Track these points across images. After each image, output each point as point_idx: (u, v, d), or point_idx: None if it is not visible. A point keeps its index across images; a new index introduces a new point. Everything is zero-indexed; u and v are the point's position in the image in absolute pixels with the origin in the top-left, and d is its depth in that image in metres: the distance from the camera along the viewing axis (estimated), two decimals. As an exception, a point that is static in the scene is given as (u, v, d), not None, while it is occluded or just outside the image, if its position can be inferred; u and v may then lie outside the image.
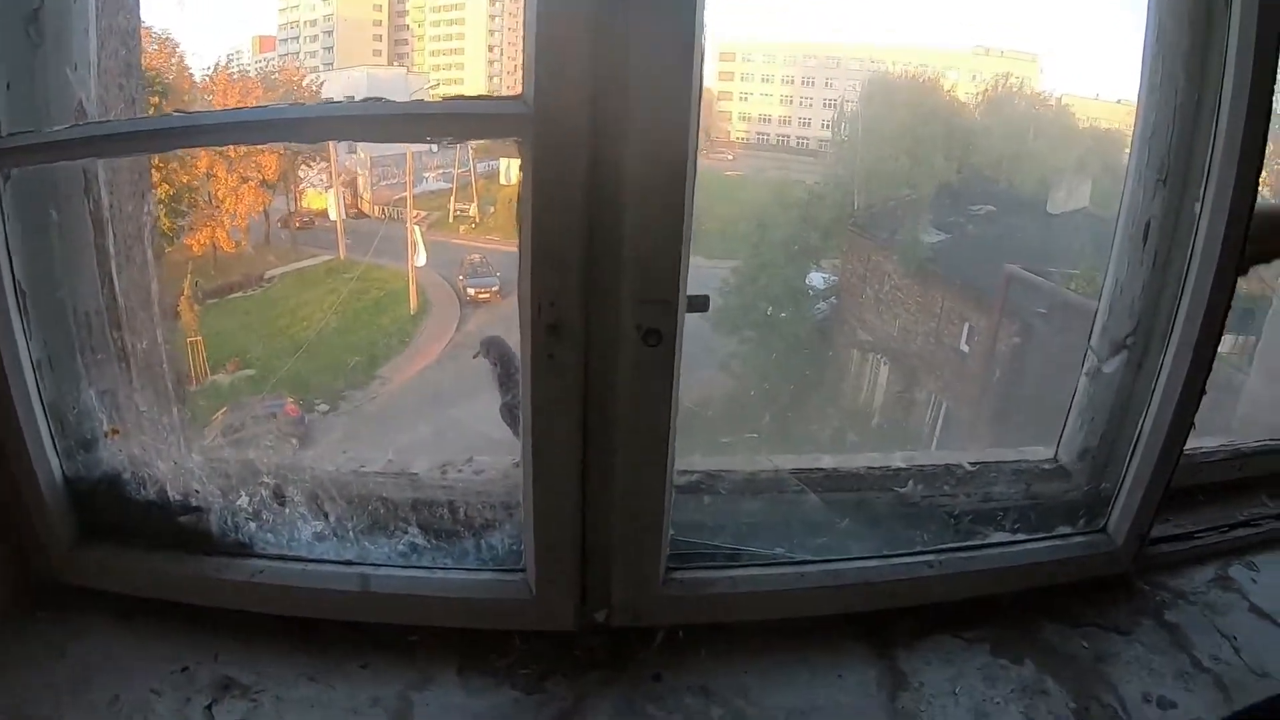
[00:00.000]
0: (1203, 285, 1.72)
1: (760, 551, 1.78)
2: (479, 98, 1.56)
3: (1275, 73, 1.61)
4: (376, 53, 10.04)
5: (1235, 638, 1.83)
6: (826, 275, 8.54)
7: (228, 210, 8.36)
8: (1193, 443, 2.18)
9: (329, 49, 9.73)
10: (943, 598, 1.83)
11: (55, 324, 1.60)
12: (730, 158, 9.62)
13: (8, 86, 1.46)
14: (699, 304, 1.52)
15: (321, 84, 9.12)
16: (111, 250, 1.62)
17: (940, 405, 7.51)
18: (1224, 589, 1.99)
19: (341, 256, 9.05)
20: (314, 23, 9.68)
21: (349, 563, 1.68)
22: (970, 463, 2.07)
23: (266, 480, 1.72)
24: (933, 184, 8.32)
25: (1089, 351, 1.98)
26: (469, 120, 1.50)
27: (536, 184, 1.36)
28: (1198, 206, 1.72)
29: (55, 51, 1.48)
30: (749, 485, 1.92)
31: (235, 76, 8.86)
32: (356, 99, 1.56)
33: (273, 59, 9.42)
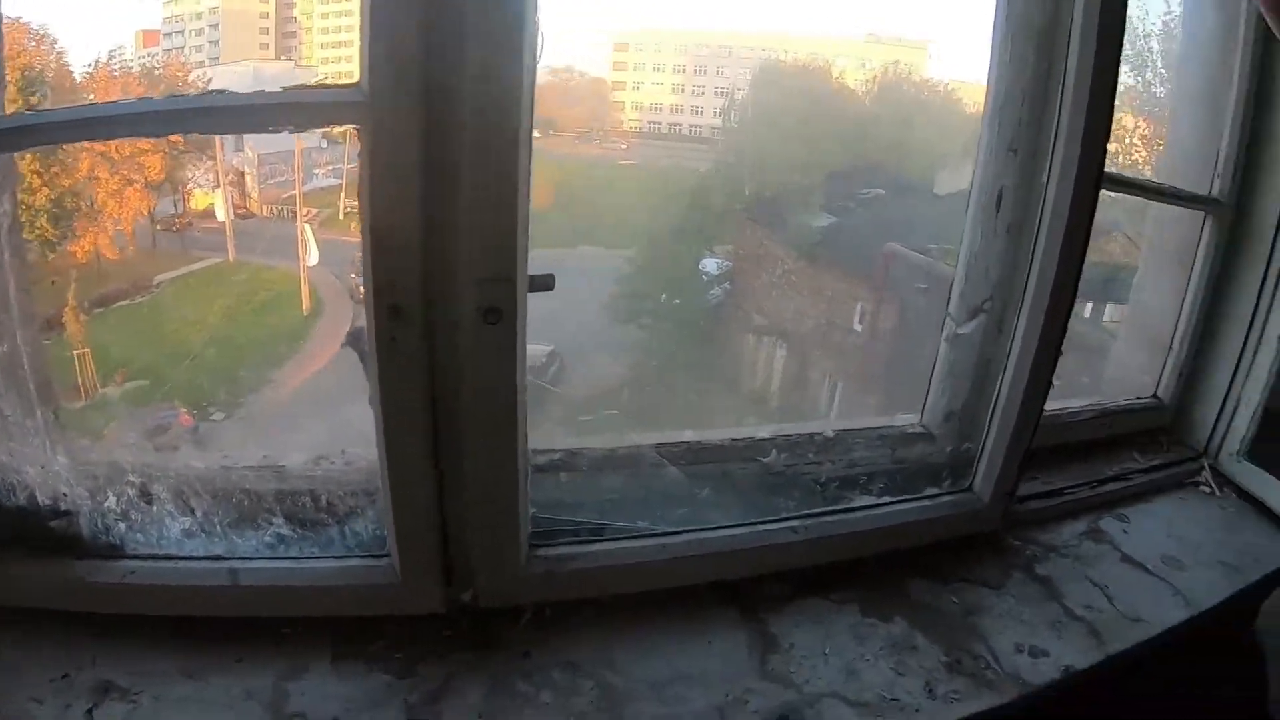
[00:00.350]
0: (1052, 251, 1.81)
1: (623, 525, 1.81)
2: (317, 86, 1.57)
3: (1120, 46, 1.71)
4: (264, 46, 9.74)
5: (1107, 586, 1.94)
6: (720, 261, 8.58)
7: (110, 214, 8.02)
8: (1061, 403, 2.30)
9: (215, 43, 9.41)
10: (809, 562, 1.89)
11: (-84, 330, 1.56)
12: (624, 147, 9.54)
13: None
14: (542, 283, 1.54)
15: (209, 80, 8.80)
16: (-30, 252, 1.58)
17: (836, 384, 7.64)
18: (1095, 541, 2.10)
19: (231, 258, 8.70)
20: (199, 16, 9.33)
21: (218, 558, 1.68)
22: (833, 430, 2.12)
23: (133, 479, 1.70)
24: (822, 170, 8.45)
25: (948, 318, 2.06)
26: (307, 109, 1.50)
27: (373, 168, 1.38)
28: (1045, 176, 1.81)
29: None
30: (608, 461, 1.94)
31: (117, 73, 8.51)
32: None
33: (157, 54, 9.09)
